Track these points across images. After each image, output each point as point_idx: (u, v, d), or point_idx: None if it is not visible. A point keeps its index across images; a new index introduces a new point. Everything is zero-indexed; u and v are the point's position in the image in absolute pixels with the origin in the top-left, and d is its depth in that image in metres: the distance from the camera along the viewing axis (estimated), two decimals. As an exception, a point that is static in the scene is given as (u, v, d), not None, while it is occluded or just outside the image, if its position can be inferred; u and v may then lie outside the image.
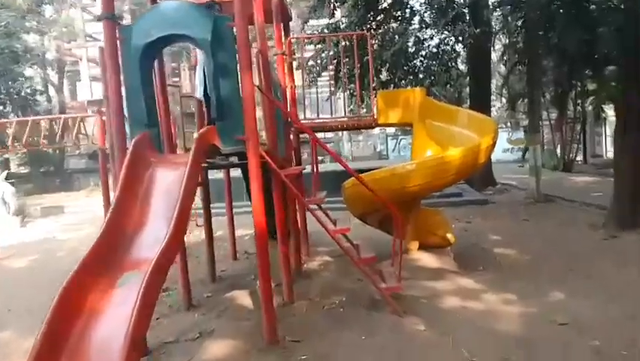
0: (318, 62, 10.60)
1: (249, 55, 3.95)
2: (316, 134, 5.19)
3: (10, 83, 22.50)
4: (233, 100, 4.00)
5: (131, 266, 3.03)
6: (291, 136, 7.09)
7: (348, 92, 9.27)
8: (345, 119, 6.29)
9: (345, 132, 37.01)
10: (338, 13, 11.58)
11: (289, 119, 6.04)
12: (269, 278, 3.98)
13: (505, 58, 19.46)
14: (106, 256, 3.03)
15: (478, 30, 8.77)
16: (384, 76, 10.84)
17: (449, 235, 6.33)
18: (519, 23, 11.70)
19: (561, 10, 8.48)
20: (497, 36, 17.53)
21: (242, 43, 3.93)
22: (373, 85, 6.42)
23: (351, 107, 9.03)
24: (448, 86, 14.54)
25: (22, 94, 23.15)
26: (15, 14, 21.43)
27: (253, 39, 5.01)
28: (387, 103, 6.10)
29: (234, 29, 3.93)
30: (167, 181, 3.63)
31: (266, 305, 3.93)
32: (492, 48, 16.85)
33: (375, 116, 6.15)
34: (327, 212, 5.45)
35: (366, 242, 7.29)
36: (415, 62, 10.58)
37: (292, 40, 6.37)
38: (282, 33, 6.57)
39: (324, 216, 5.17)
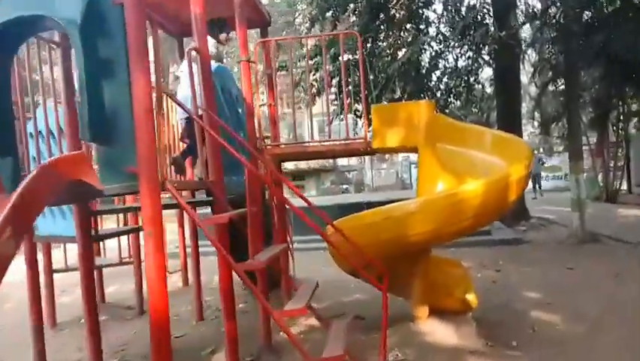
0: (315, 78, 9.25)
1: (143, 45, 2.58)
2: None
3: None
4: (119, 114, 2.62)
5: None
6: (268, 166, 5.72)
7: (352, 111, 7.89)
8: (330, 143, 4.84)
9: (367, 160, 35.81)
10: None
11: (257, 145, 4.66)
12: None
13: (536, 76, 17.87)
14: None
15: (504, 33, 7.26)
16: (397, 93, 9.42)
17: (470, 297, 4.73)
18: (552, 34, 10.20)
19: (608, 8, 6.94)
20: (525, 54, 16.07)
21: (133, 28, 2.58)
22: (365, 97, 4.95)
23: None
24: (474, 107, 12.98)
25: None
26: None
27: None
28: (384, 121, 4.63)
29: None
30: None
31: None
32: (522, 66, 15.30)
33: (368, 139, 4.68)
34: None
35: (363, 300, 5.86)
36: (431, 78, 9.12)
37: (262, 47, 5.02)
38: (251, 38, 5.27)
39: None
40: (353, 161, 37.24)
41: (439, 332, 4.50)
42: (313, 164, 34.61)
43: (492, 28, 7.76)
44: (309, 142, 4.95)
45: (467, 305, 4.71)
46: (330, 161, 35.73)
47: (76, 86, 2.59)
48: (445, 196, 3.95)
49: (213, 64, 4.01)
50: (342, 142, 4.77)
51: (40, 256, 6.19)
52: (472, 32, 8.07)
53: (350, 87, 7.30)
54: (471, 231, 4.28)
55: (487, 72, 17.00)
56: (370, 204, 11.16)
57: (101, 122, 2.57)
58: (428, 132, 4.50)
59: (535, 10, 12.41)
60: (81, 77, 2.53)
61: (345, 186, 37.97)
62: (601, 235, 9.51)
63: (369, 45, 8.46)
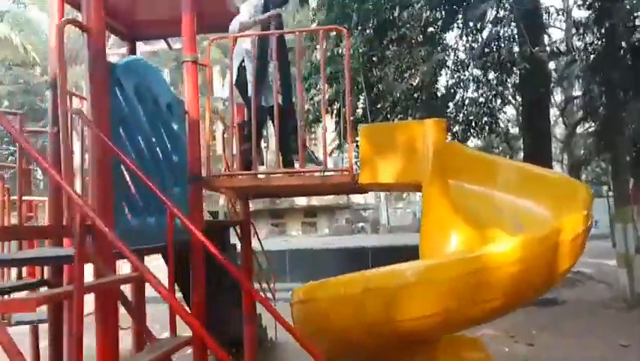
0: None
1: None
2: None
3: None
4: None
5: None
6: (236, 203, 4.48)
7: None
8: (300, 175, 3.48)
9: (382, 198, 34.18)
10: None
11: (202, 175, 3.36)
12: None
13: (564, 116, 16.55)
14: None
15: (537, 49, 6.00)
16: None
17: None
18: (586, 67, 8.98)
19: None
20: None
21: None
22: (349, 111, 3.70)
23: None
24: (496, 144, 11.61)
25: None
26: (31, 71, 21.28)
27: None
28: (375, 146, 3.31)
29: None
30: None
31: None
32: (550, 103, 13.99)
33: (353, 170, 3.36)
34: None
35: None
36: (447, 106, 7.87)
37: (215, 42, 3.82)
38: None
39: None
40: (370, 198, 35.64)
41: None
42: (326, 200, 33.14)
43: (517, 48, 6.58)
44: (271, 173, 3.65)
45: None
46: (344, 197, 34.20)
47: None
48: (460, 261, 2.54)
49: (127, 57, 2.80)
50: (318, 174, 3.45)
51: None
52: (496, 49, 6.88)
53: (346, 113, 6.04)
54: (500, 314, 2.84)
55: (509, 112, 15.69)
56: (376, 251, 9.78)
57: None
58: (437, 164, 3.14)
59: (558, 45, 11.25)
60: None
61: (360, 225, 36.29)
62: (653, 298, 7.83)
63: (372, 66, 7.30)
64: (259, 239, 4.89)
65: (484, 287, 2.44)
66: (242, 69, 4.06)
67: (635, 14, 7.72)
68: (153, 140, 2.99)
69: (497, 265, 2.42)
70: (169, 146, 3.16)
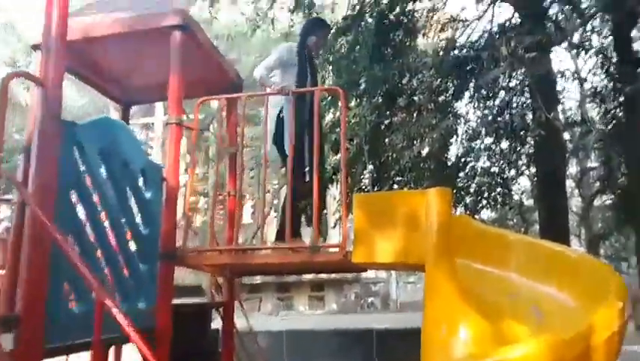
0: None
1: None
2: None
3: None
4: None
5: None
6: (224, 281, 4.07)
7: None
8: (285, 252, 3.08)
9: (393, 271, 33.06)
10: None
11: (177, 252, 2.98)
12: None
13: (580, 187, 16.05)
14: None
15: (552, 115, 5.72)
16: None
17: None
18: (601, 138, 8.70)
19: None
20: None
21: None
22: (345, 178, 3.38)
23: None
24: (511, 217, 11.10)
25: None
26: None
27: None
28: (371, 219, 2.92)
29: None
30: None
31: None
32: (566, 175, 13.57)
33: (345, 247, 2.96)
34: None
35: None
36: (457, 175, 7.54)
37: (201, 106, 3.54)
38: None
39: None
40: (380, 272, 34.47)
41: None
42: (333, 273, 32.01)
43: (530, 116, 6.35)
44: (253, 249, 3.25)
45: None
46: (353, 271, 33.03)
47: None
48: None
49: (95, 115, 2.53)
50: (306, 251, 3.03)
51: None
52: (509, 116, 6.64)
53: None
54: None
55: (523, 183, 15.30)
56: (383, 334, 8.98)
57: None
58: (442, 240, 2.72)
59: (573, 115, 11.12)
60: None
61: (370, 300, 34.84)
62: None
63: (380, 133, 7.09)
64: (247, 319, 4.40)
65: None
66: (279, 120, 3.78)
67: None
68: (118, 210, 2.65)
69: (515, 373, 1.94)
70: (138, 217, 2.82)
